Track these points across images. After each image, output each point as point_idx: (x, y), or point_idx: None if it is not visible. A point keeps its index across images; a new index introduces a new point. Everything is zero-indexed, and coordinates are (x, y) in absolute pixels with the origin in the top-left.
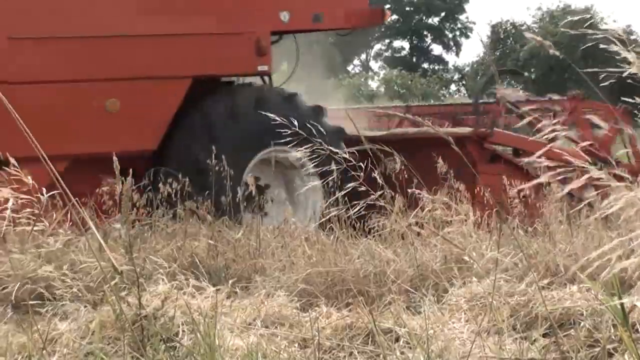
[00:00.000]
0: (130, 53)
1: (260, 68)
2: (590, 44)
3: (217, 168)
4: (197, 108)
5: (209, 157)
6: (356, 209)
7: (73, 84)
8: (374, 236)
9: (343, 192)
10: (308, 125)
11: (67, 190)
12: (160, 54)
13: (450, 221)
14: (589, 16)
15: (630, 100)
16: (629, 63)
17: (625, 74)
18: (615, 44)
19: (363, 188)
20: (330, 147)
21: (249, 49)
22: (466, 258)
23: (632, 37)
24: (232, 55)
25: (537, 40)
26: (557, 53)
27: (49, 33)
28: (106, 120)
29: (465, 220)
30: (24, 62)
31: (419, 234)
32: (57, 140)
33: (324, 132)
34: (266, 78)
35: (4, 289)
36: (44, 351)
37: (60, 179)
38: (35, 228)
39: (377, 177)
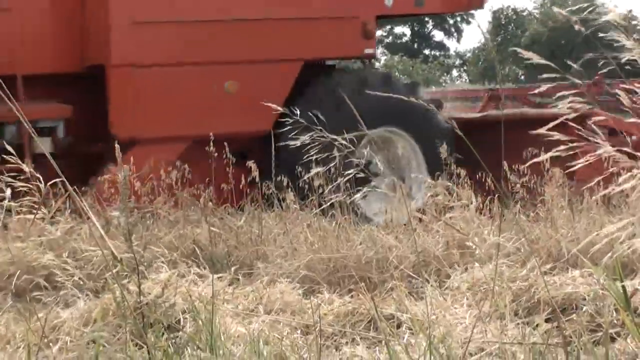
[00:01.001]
0: (248, 36)
1: (366, 51)
2: (591, 30)
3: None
4: (309, 90)
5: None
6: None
7: (194, 67)
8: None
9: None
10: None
11: (66, 181)
12: (275, 38)
13: (452, 207)
14: (587, 5)
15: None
16: (629, 49)
17: (624, 60)
18: (617, 31)
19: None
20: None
21: (357, 33)
22: (468, 243)
23: (634, 23)
24: (341, 38)
25: (564, 15)
26: (583, 29)
27: (172, 17)
28: (225, 101)
29: (467, 206)
30: (148, 46)
31: (420, 219)
32: (179, 122)
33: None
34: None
35: (5, 277)
36: (46, 339)
37: (61, 173)
38: (36, 216)
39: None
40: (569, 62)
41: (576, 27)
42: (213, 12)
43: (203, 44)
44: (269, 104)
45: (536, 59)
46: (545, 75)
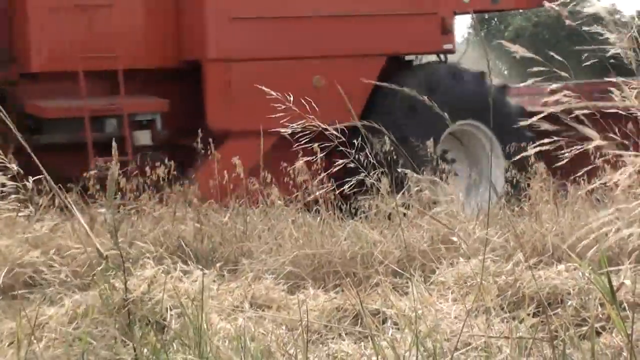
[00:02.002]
0: (336, 32)
1: (445, 46)
2: (577, 23)
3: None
4: (395, 83)
5: (404, 132)
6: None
7: (285, 62)
8: (360, 217)
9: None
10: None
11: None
12: (361, 33)
13: (435, 202)
14: None
15: (612, 79)
16: (612, 43)
17: (608, 55)
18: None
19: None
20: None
21: (436, 29)
22: (454, 238)
23: (617, 17)
24: (422, 34)
25: (555, 10)
26: (571, 22)
27: (264, 13)
28: (312, 95)
29: (452, 201)
30: (243, 41)
31: (405, 214)
32: (269, 115)
33: (510, 109)
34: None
35: None
36: (33, 337)
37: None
38: (21, 214)
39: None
40: (554, 54)
41: (567, 21)
42: (303, 8)
43: (293, 40)
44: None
45: (522, 52)
46: (535, 69)
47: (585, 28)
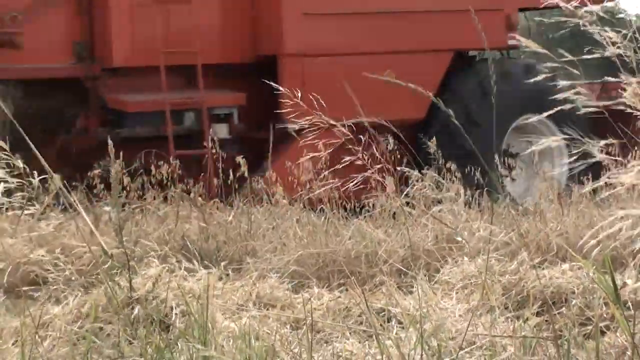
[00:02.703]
0: (406, 27)
1: (510, 42)
2: (576, 23)
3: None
4: (456, 80)
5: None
6: None
7: (357, 57)
8: (365, 216)
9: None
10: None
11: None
12: (430, 29)
13: (440, 200)
14: None
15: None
16: (614, 43)
17: (607, 54)
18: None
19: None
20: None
21: (502, 25)
22: (458, 237)
23: (620, 16)
24: (488, 30)
25: (570, 11)
26: (581, 21)
27: (337, 9)
28: (383, 90)
29: (456, 200)
30: (317, 37)
31: (409, 213)
32: (343, 109)
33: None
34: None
35: None
36: (37, 336)
37: (47, 166)
38: (26, 212)
39: None
40: (562, 51)
41: (577, 19)
42: (374, 4)
43: (365, 35)
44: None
45: (535, 47)
46: (548, 64)
47: (586, 27)
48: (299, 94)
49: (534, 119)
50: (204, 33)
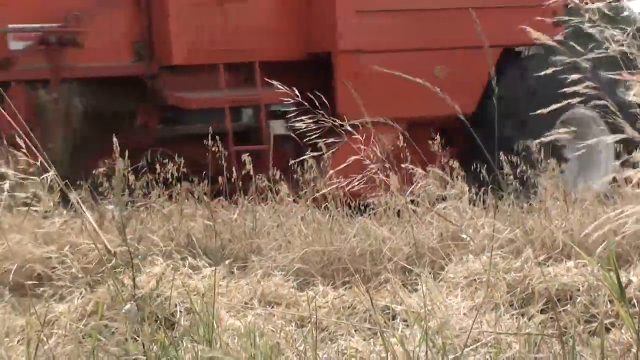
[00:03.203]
0: (455, 24)
1: (556, 37)
2: (578, 21)
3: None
4: (504, 75)
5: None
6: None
7: (409, 53)
8: (369, 214)
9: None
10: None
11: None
12: (479, 25)
13: (445, 197)
14: None
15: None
16: (616, 41)
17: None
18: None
19: None
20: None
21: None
22: (463, 235)
23: (625, 14)
24: (536, 26)
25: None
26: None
27: (389, 6)
28: (433, 85)
29: (461, 198)
30: (370, 33)
31: (414, 211)
32: (396, 105)
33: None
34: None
35: (1, 271)
36: (42, 334)
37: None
38: (32, 208)
39: None
40: (574, 44)
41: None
42: (424, 2)
43: (416, 31)
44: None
45: (545, 39)
46: (558, 57)
47: (588, 25)
48: (353, 90)
49: (581, 111)
50: (260, 31)
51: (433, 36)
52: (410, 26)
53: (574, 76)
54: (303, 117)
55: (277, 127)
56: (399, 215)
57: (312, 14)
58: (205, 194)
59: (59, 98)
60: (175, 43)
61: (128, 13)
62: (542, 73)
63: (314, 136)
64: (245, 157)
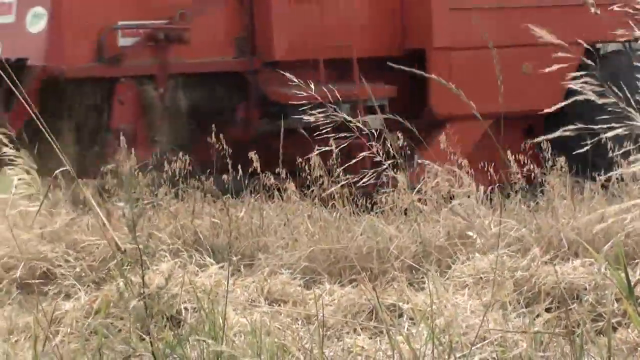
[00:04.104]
0: (542, 21)
1: (635, 34)
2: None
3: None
4: (589, 73)
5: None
6: None
7: (499, 50)
8: (376, 212)
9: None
10: None
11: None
12: (565, 22)
13: (453, 196)
14: None
15: None
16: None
17: None
18: None
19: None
20: None
21: (629, 18)
22: (469, 233)
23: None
24: (619, 23)
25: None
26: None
27: (480, 4)
28: (522, 82)
29: (469, 196)
30: (462, 30)
31: (420, 210)
32: (486, 100)
33: None
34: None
35: (8, 269)
36: (49, 331)
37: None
38: (36, 207)
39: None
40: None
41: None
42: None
43: (504, 29)
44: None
45: (548, 37)
46: (560, 54)
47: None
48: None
49: None
50: (358, 28)
51: (521, 33)
52: (500, 23)
53: None
54: (338, 112)
55: (374, 122)
56: (405, 214)
57: (408, 11)
58: (211, 191)
59: (166, 93)
60: (277, 40)
61: (231, 10)
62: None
63: (324, 130)
64: (252, 155)
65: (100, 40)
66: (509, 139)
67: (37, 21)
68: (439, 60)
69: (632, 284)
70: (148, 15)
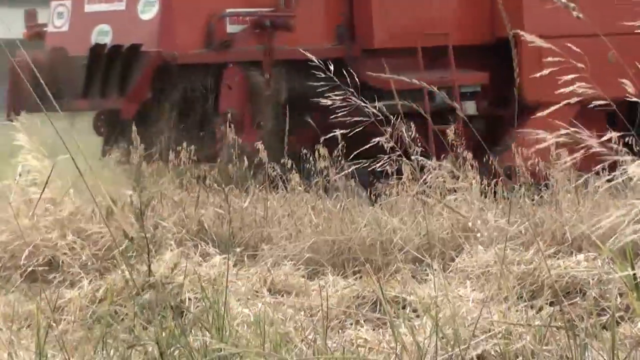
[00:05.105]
0: (627, 10)
1: None
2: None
3: None
4: None
5: None
6: None
7: (586, 38)
8: (380, 204)
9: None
10: None
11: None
12: None
13: (456, 189)
14: None
15: None
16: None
17: None
18: None
19: None
20: None
21: None
22: (471, 226)
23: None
24: None
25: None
26: (581, 16)
27: None
28: (607, 70)
29: (471, 189)
30: (551, 19)
31: (424, 202)
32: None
33: None
34: None
35: (12, 256)
36: (52, 320)
37: None
38: (43, 196)
39: None
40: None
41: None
42: None
43: (592, 18)
44: None
45: (539, 42)
46: (549, 59)
47: None
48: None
49: None
50: (453, 16)
51: (607, 22)
52: (587, 12)
53: None
54: (351, 95)
55: (469, 108)
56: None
57: (496, 2)
58: (216, 181)
59: (271, 79)
60: (377, 27)
61: None
62: None
63: (340, 113)
64: (259, 145)
65: (209, 27)
66: (594, 126)
67: (149, 8)
68: (530, 48)
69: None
70: (254, 3)
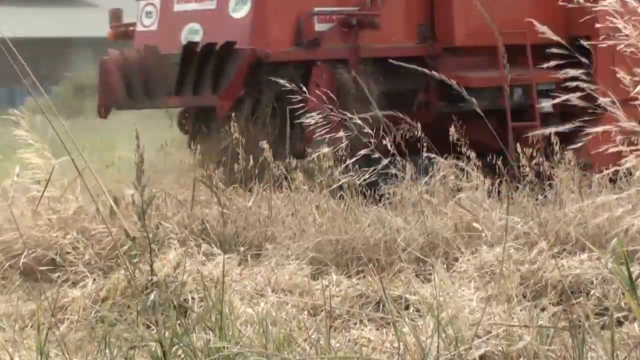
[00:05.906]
0: None
1: None
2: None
3: None
4: None
5: None
6: None
7: None
8: (384, 204)
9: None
10: None
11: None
12: None
13: (460, 188)
14: None
15: None
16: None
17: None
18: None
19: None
20: None
21: None
22: (477, 225)
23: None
24: None
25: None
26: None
27: None
28: None
29: (477, 188)
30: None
31: (428, 201)
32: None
33: None
34: None
35: (13, 256)
36: (54, 319)
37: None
38: (45, 194)
39: None
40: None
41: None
42: None
43: None
44: None
45: (550, 34)
46: (554, 50)
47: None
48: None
49: None
50: (530, 16)
51: None
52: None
53: None
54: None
55: (546, 106)
56: (414, 206)
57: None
58: (221, 180)
59: (357, 76)
60: (457, 26)
61: None
62: None
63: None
64: (264, 144)
65: (299, 25)
66: None
67: (240, 7)
68: (603, 48)
69: (635, 278)
70: (341, 2)
